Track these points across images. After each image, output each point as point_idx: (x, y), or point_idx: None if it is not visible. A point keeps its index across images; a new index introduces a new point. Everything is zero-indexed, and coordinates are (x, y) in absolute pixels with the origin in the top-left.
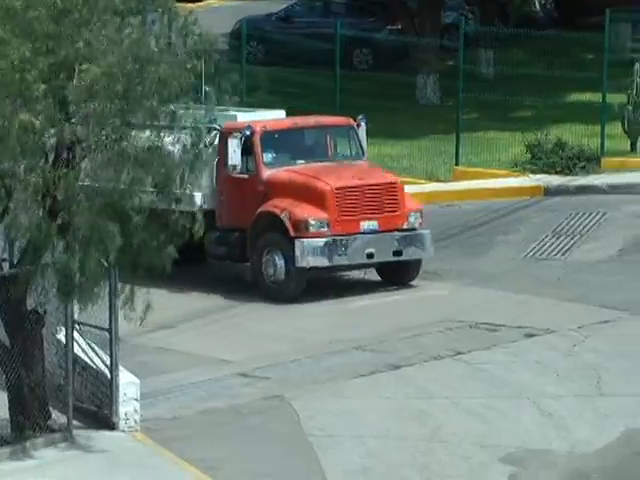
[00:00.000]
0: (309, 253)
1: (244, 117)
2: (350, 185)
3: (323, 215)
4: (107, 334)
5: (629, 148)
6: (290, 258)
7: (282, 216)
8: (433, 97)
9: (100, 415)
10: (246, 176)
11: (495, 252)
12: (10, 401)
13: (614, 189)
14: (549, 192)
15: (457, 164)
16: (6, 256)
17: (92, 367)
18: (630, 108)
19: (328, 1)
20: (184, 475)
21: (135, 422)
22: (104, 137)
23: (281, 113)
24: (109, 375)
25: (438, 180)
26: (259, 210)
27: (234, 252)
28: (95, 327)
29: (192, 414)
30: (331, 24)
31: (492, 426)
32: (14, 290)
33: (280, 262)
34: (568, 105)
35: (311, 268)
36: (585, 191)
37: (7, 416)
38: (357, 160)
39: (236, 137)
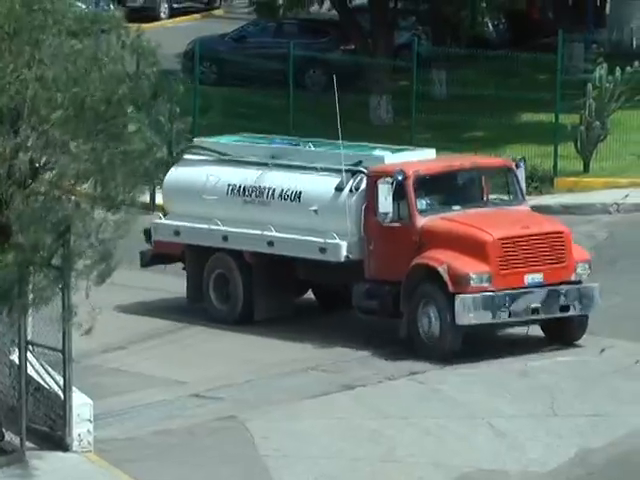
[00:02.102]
0: (470, 310)
1: (392, 159)
2: (514, 235)
3: (485, 268)
4: (60, 355)
5: (582, 168)
6: (449, 314)
7: (440, 270)
8: (386, 117)
9: (53, 436)
10: (398, 224)
11: None
12: None
13: (567, 209)
14: None
15: None
16: None
17: (45, 388)
18: (583, 129)
19: (281, 22)
20: None
21: (88, 443)
22: (52, 156)
23: (431, 152)
24: (62, 396)
25: None
26: (414, 262)
27: (386, 306)
28: (48, 348)
29: (146, 435)
30: (284, 45)
31: (447, 446)
32: None
33: (437, 318)
34: (521, 125)
35: (471, 325)
36: (538, 211)
37: None
38: (516, 205)
39: (387, 182)
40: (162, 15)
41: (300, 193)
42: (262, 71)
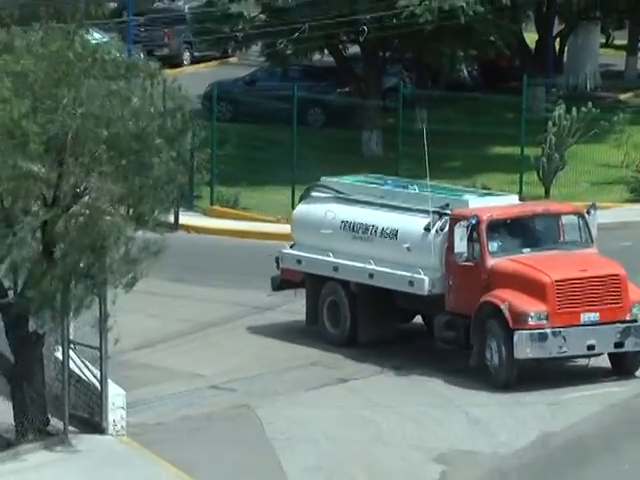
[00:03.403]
0: (528, 345)
1: (476, 202)
2: (571, 277)
3: (542, 307)
4: (98, 352)
5: (544, 194)
6: (508, 348)
7: (502, 307)
8: (376, 150)
9: (92, 421)
10: (472, 264)
11: None
12: (14, 409)
13: None
14: None
15: None
16: (12, 285)
17: (85, 380)
18: (544, 160)
19: (287, 68)
20: (162, 472)
21: (122, 427)
22: (90, 182)
23: (513, 198)
24: (99, 387)
25: None
26: (482, 299)
27: (459, 338)
28: (87, 346)
29: (171, 421)
30: (289, 87)
31: (427, 431)
32: (18, 314)
33: (497, 351)
34: (491, 157)
35: (528, 359)
36: None
37: (12, 422)
38: (584, 248)
39: (462, 225)
40: (185, 62)
41: (397, 231)
42: (270, 110)
